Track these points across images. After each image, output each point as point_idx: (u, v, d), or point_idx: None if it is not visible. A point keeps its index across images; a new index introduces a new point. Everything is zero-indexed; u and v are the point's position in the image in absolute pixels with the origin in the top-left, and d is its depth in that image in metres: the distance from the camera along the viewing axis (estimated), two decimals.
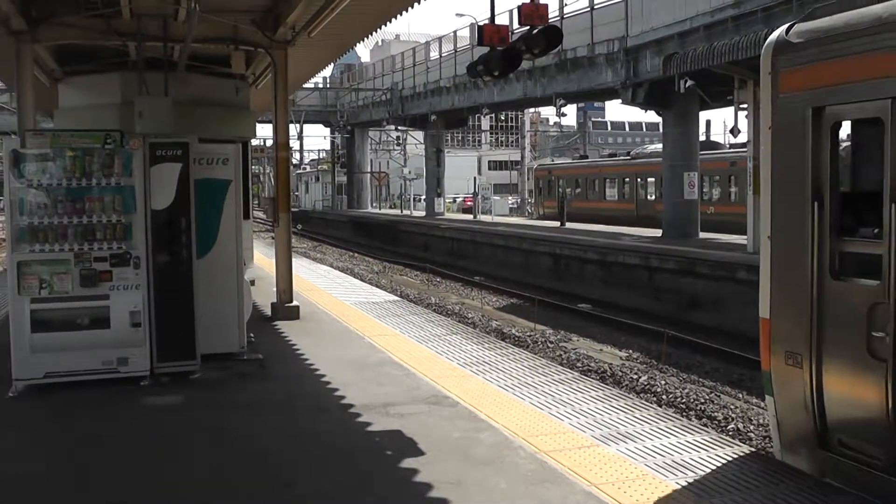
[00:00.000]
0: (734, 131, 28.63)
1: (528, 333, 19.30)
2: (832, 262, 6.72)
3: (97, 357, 9.94)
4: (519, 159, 79.41)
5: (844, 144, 7.22)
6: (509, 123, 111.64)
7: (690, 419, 11.36)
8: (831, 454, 6.79)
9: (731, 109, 28.93)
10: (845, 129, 7.25)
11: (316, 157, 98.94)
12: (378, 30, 16.06)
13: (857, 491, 6.49)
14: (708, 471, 7.01)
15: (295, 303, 15.11)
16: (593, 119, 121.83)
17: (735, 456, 7.38)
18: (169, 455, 7.72)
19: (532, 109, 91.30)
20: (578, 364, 15.79)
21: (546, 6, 11.45)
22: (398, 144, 77.75)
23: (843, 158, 7.00)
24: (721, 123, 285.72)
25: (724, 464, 7.18)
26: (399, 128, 65.65)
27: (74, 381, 9.82)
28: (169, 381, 10.16)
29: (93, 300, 9.95)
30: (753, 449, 8.97)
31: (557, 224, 41.34)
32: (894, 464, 6.14)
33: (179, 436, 8.29)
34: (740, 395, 14.26)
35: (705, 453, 7.44)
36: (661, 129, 36.99)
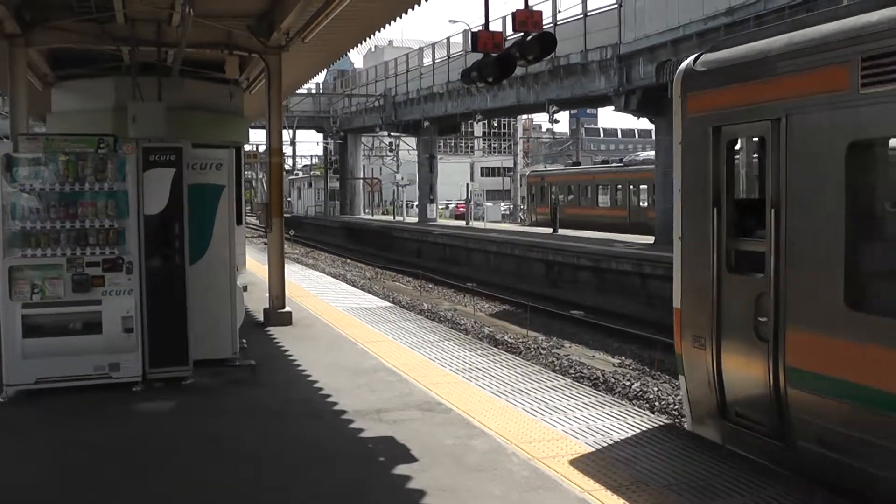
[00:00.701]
0: None
1: (520, 340, 19.30)
2: (728, 259, 7.90)
3: (89, 363, 9.89)
4: (511, 166, 79.56)
5: (738, 159, 8.37)
6: (502, 130, 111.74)
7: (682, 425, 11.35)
8: (730, 423, 7.89)
9: None
10: (739, 146, 8.35)
11: (309, 163, 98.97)
12: (371, 36, 16.05)
13: (749, 454, 7.54)
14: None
15: (287, 308, 15.09)
16: (586, 126, 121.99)
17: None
18: (161, 461, 7.69)
19: (525, 116, 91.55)
20: (571, 371, 15.80)
21: (540, 13, 11.45)
22: (391, 150, 77.89)
23: (738, 171, 8.37)
24: None
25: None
26: (392, 134, 65.88)
27: (66, 387, 9.77)
28: (161, 387, 10.12)
29: (85, 305, 9.91)
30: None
31: (550, 230, 41.38)
32: (776, 428, 7.25)
33: (172, 442, 8.26)
34: None
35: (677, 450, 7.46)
36: (653, 137, 37.07)
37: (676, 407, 13.12)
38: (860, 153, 6.65)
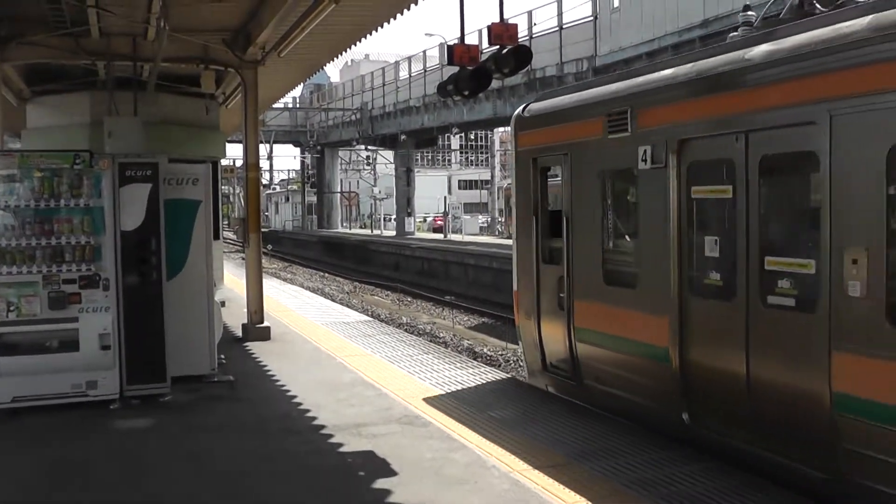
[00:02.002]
0: None
1: (499, 352, 19.31)
2: (543, 253, 10.96)
3: (66, 380, 9.81)
4: (489, 178, 79.62)
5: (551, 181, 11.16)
6: (479, 143, 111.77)
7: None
8: (549, 374, 10.92)
9: None
10: (549, 172, 11.18)
11: (286, 177, 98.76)
12: (348, 49, 16.09)
13: (560, 394, 10.64)
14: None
15: (266, 324, 15.04)
16: None
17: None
18: (140, 478, 7.64)
19: (502, 129, 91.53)
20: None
21: (516, 26, 11.49)
22: (368, 164, 77.81)
23: (549, 190, 11.19)
24: None
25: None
26: (369, 147, 65.78)
27: (43, 405, 9.69)
28: (139, 404, 10.05)
29: (62, 323, 9.83)
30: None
31: None
32: (572, 373, 10.23)
33: (150, 459, 8.21)
34: None
35: None
36: None
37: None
38: (610, 178, 9.75)
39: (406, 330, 20.49)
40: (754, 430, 7.48)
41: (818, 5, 8.20)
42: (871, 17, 6.45)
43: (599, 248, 9.77)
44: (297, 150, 74.83)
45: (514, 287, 11.66)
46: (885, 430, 6.14)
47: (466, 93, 11.80)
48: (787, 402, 7.09)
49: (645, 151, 8.74)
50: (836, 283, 6.52)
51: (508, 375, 12.73)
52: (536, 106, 11.32)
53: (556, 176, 10.86)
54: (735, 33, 9.18)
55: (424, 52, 49.14)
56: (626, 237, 9.77)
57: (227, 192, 76.26)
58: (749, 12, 9.51)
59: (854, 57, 6.41)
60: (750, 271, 7.44)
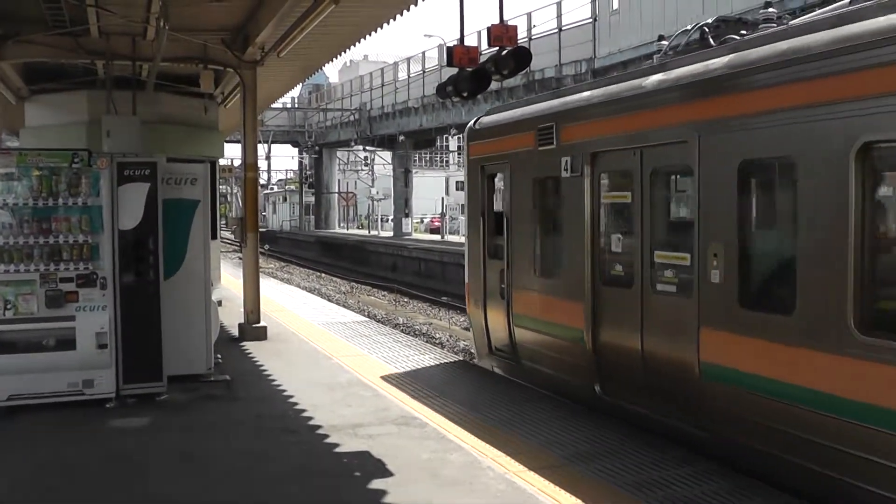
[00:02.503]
0: None
1: None
2: (489, 249, 12.45)
3: (62, 379, 9.82)
4: None
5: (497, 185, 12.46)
6: None
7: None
8: (495, 356, 12.39)
9: None
10: (495, 178, 12.50)
11: (284, 177, 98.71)
12: (347, 50, 16.09)
13: (504, 373, 12.15)
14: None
15: (263, 323, 15.04)
16: None
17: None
18: (136, 478, 7.65)
19: None
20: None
21: (515, 28, 11.51)
22: (366, 165, 77.79)
23: (495, 194, 12.47)
24: None
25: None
26: (367, 148, 65.69)
27: (39, 404, 9.69)
28: (135, 403, 10.06)
29: (58, 321, 9.82)
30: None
31: None
32: (512, 354, 11.74)
33: (146, 458, 8.21)
34: None
35: None
36: None
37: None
38: (540, 184, 11.14)
39: (403, 331, 20.47)
40: (649, 397, 8.86)
41: (712, 41, 9.34)
42: (730, 56, 7.89)
43: (532, 245, 11.36)
44: (296, 150, 74.78)
45: (466, 280, 13.35)
46: (741, 392, 7.48)
47: (465, 94, 11.84)
48: (670, 372, 8.46)
49: (566, 162, 10.21)
50: (703, 272, 7.93)
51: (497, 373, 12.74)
52: (485, 119, 12.86)
53: (501, 181, 12.28)
54: (650, 61, 10.88)
55: (423, 53, 49.18)
56: (553, 235, 11.00)
57: (224, 191, 76.30)
58: (663, 41, 10.91)
59: (715, 89, 7.86)
60: (644, 264, 8.95)
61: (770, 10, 9.77)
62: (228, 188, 78.65)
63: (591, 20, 32.95)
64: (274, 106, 48.62)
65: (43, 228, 9.87)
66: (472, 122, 13.22)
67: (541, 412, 9.67)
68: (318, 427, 9.07)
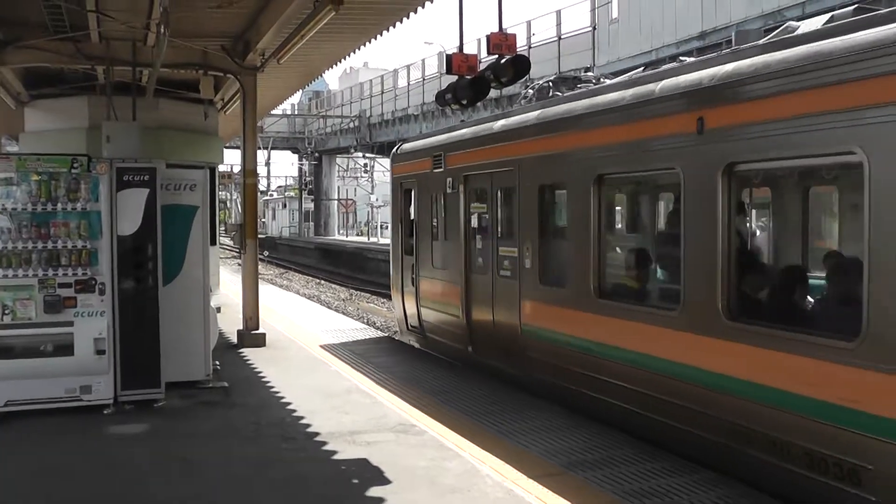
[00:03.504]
0: None
1: None
2: (405, 248, 15.55)
3: (60, 385, 9.80)
4: None
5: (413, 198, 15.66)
6: None
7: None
8: (410, 332, 15.72)
9: None
10: (410, 193, 15.61)
11: (283, 184, 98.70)
12: (347, 57, 16.12)
13: (416, 345, 15.48)
14: None
15: (261, 330, 15.03)
16: None
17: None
18: (134, 484, 7.63)
19: None
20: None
21: (514, 36, 11.52)
22: (366, 171, 77.76)
23: (410, 205, 15.59)
24: None
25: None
26: (367, 155, 65.71)
27: (36, 410, 9.67)
28: (133, 410, 10.04)
29: (57, 327, 9.82)
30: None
31: None
32: (420, 329, 14.80)
33: (144, 465, 8.19)
34: None
35: None
36: None
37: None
38: (435, 198, 14.27)
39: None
40: (499, 352, 11.99)
41: (557, 92, 11.89)
42: (538, 112, 11.13)
43: (430, 244, 14.59)
44: (295, 156, 74.77)
45: (391, 272, 16.71)
46: (548, 344, 10.58)
47: (464, 102, 11.86)
48: (507, 333, 11.64)
49: (450, 181, 13.53)
50: (521, 261, 11.29)
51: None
52: (404, 146, 16.47)
53: (412, 195, 15.48)
54: (516, 105, 13.83)
55: (423, 60, 49.14)
56: (443, 236, 14.16)
57: (224, 197, 76.25)
58: (529, 90, 13.25)
59: (528, 134, 11.19)
60: (494, 256, 12.19)
61: (588, 73, 14.48)
62: (228, 194, 78.63)
63: (590, 29, 32.96)
64: (274, 112, 48.68)
65: (42, 233, 9.86)
66: (395, 148, 16.89)
67: (540, 421, 9.65)
68: (316, 434, 9.06)
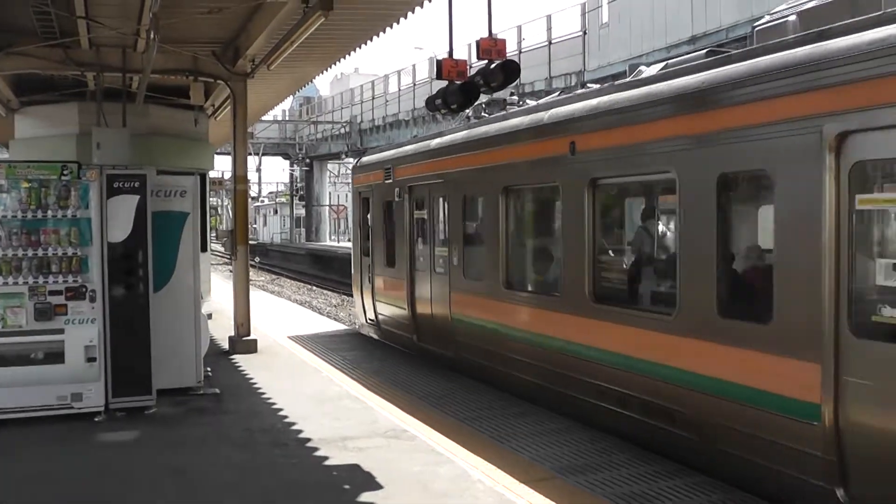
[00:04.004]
0: None
1: None
2: (363, 251, 17.64)
3: (51, 392, 9.77)
4: None
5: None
6: None
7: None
8: (368, 325, 17.54)
9: None
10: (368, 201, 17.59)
11: (274, 190, 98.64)
12: (337, 63, 16.14)
13: (375, 336, 17.15)
14: None
15: (253, 336, 15.00)
16: None
17: None
18: (125, 492, 7.61)
19: None
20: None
21: (504, 41, 11.56)
22: None
23: (367, 211, 17.58)
24: None
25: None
26: None
27: (27, 417, 9.64)
28: (124, 417, 10.02)
29: (47, 334, 9.80)
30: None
31: None
32: (376, 322, 16.70)
33: (135, 472, 8.16)
34: None
35: None
36: None
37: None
38: (386, 205, 16.14)
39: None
40: (436, 339, 13.89)
41: (486, 114, 13.83)
42: (465, 132, 13.15)
43: (383, 245, 16.34)
44: (286, 162, 74.79)
45: (352, 272, 18.92)
46: (470, 328, 12.63)
47: (454, 107, 11.88)
48: (442, 321, 13.64)
49: (397, 191, 15.42)
50: (451, 258, 13.21)
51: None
52: (363, 160, 18.41)
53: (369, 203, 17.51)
54: (454, 124, 17.17)
55: (414, 65, 49.12)
56: (392, 239, 15.87)
57: (215, 203, 76.13)
58: (486, 110, 14.58)
59: (455, 151, 13.18)
60: (432, 256, 14.08)
61: (513, 96, 15.54)
62: (219, 200, 78.52)
63: (580, 33, 33.01)
64: (264, 118, 48.49)
65: (32, 241, 9.85)
66: (356, 161, 19.44)
67: (532, 425, 9.67)
68: (308, 440, 9.05)
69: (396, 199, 15.30)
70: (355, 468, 8.04)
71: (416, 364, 13.87)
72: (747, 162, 7.44)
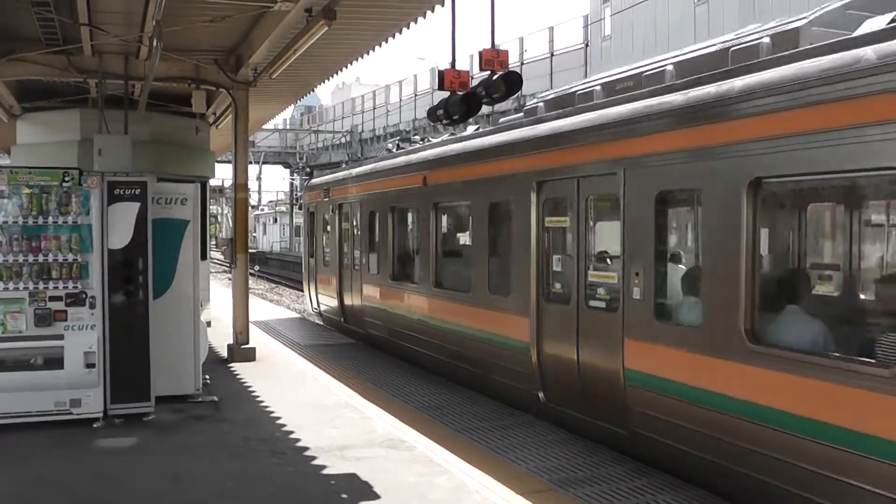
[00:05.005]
0: None
1: None
2: (309, 253, 22.57)
3: (50, 398, 9.77)
4: None
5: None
6: None
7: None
8: (314, 313, 22.50)
9: None
10: (315, 215, 21.99)
11: (274, 199, 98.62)
12: (339, 72, 16.15)
13: (329, 326, 20.68)
14: None
15: (251, 344, 15.00)
16: None
17: None
18: (122, 498, 7.61)
19: None
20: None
21: (507, 52, 11.56)
22: None
23: (317, 224, 21.85)
24: None
25: None
26: None
27: (25, 423, 9.64)
28: (122, 423, 10.02)
29: (47, 340, 9.81)
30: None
31: None
32: (337, 314, 19.54)
33: (133, 478, 8.16)
34: None
35: None
36: None
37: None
38: (324, 219, 20.62)
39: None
40: (358, 321, 17.59)
41: (430, 139, 17.06)
42: (371, 165, 17.42)
43: (322, 250, 20.73)
44: (287, 171, 74.79)
45: (303, 271, 23.52)
46: (374, 311, 16.72)
47: (456, 117, 11.86)
48: (358, 307, 17.72)
49: (331, 207, 19.63)
50: (362, 259, 17.25)
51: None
52: (312, 181, 23.09)
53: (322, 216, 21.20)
54: (378, 153, 22.53)
55: (415, 76, 49.16)
56: (329, 244, 19.74)
57: (215, 211, 76.12)
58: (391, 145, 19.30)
59: (368, 178, 17.30)
60: (352, 257, 17.90)
61: (416, 136, 18.73)
62: (219, 208, 78.52)
63: (583, 46, 33.09)
64: (265, 127, 48.54)
65: (32, 246, 9.87)
66: (306, 182, 24.15)
67: (529, 437, 9.68)
68: (306, 449, 9.04)
69: (331, 213, 19.83)
70: (353, 477, 8.04)
71: (415, 374, 13.86)
72: (501, 195, 11.64)
